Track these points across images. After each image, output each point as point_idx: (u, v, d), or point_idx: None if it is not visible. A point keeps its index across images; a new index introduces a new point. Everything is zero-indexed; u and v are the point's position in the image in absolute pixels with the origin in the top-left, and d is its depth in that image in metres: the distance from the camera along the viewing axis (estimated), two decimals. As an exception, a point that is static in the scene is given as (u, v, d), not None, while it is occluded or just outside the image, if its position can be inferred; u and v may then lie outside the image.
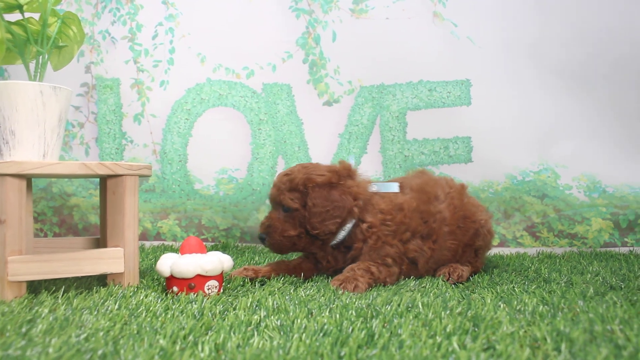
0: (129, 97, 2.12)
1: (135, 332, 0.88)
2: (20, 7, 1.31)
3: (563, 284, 1.31)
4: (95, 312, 1.00)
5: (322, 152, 2.03)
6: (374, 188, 1.45)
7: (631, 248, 1.91)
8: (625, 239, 1.92)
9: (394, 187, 1.49)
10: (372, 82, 2.01)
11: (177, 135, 2.09)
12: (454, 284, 1.39)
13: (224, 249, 1.97)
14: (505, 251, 1.95)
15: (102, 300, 1.10)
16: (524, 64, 1.95)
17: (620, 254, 1.83)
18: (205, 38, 2.09)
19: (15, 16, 1.32)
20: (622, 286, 1.27)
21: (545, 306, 1.05)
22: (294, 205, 1.38)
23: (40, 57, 1.34)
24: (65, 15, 1.38)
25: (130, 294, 1.16)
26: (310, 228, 1.37)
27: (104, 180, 1.39)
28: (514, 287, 1.28)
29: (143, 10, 2.10)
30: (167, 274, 1.18)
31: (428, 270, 1.49)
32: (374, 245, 1.39)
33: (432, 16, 1.97)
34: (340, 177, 1.40)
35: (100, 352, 0.77)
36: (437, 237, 1.47)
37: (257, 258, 1.73)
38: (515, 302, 1.08)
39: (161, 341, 0.82)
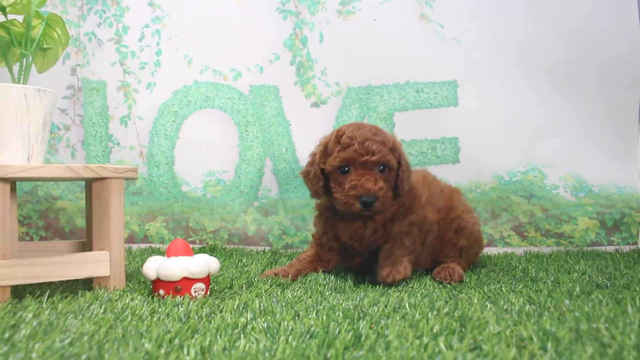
0: (116, 100, 2.10)
1: (121, 336, 0.87)
2: (3, 9, 1.30)
3: (550, 283, 1.32)
4: (80, 317, 0.99)
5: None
6: None
7: (617, 247, 1.93)
8: (612, 238, 1.94)
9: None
10: (360, 83, 2.01)
11: (164, 138, 2.08)
12: (449, 283, 1.38)
13: (212, 251, 1.96)
14: (493, 251, 1.96)
15: (87, 304, 1.09)
16: (511, 64, 1.96)
17: (607, 252, 1.84)
18: (192, 40, 2.07)
19: (-2, 18, 1.31)
20: (608, 284, 1.28)
21: (532, 305, 1.06)
22: (396, 165, 1.35)
23: (24, 59, 1.32)
24: (49, 17, 1.37)
25: (116, 297, 1.15)
26: (403, 188, 1.37)
27: (89, 183, 1.38)
28: (501, 286, 1.29)
29: (129, 12, 2.09)
30: (153, 277, 1.17)
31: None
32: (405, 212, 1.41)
33: (419, 17, 1.97)
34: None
35: (84, 356, 0.76)
36: (428, 234, 1.49)
37: (244, 260, 1.72)
38: (502, 302, 1.09)
39: (146, 345, 0.81)
